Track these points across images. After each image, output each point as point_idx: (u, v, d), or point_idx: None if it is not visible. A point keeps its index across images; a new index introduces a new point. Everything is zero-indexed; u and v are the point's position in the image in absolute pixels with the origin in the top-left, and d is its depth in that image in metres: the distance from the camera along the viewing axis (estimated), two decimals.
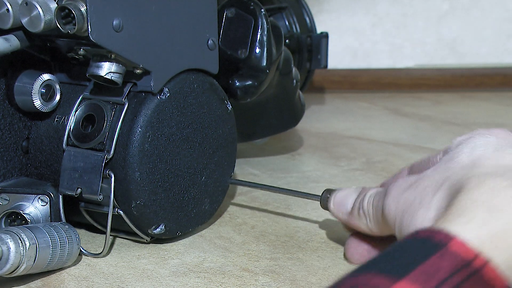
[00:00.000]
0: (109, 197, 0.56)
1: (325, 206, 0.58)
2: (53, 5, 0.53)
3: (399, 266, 0.31)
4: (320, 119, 1.05)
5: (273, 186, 0.65)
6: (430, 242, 0.32)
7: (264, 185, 0.66)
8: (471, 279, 0.31)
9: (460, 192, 0.38)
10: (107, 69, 0.54)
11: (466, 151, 0.43)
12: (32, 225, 0.53)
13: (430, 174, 0.44)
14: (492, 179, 0.37)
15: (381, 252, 0.34)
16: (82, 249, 0.57)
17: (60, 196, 0.56)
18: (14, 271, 0.49)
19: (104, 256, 0.57)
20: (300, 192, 0.63)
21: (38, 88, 0.57)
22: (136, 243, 0.60)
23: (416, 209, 0.43)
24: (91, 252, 0.58)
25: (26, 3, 0.53)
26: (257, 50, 0.66)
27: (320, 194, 0.59)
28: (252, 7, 0.66)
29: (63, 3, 0.52)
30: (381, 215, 0.48)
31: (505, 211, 0.35)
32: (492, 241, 0.33)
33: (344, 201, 0.55)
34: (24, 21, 0.53)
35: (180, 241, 0.61)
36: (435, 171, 0.44)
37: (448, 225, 0.34)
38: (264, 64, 0.66)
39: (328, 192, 0.58)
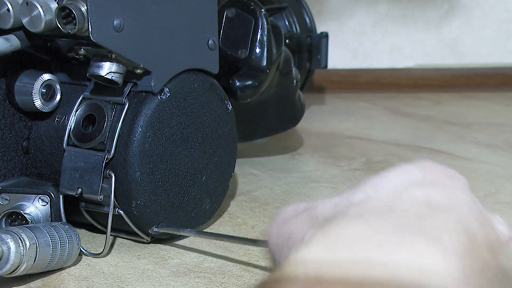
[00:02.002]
0: (110, 197, 0.56)
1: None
2: (54, 5, 0.53)
3: None
4: (320, 119, 1.05)
5: (212, 233, 0.60)
6: None
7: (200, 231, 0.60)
8: None
9: (303, 243, 0.33)
10: (107, 69, 0.54)
11: (368, 187, 0.36)
12: (32, 225, 0.53)
13: (320, 206, 0.38)
14: (344, 227, 0.32)
15: None
16: (82, 249, 0.57)
17: (61, 196, 0.56)
18: (14, 271, 0.49)
19: (104, 256, 0.57)
20: (243, 238, 0.56)
21: (38, 88, 0.57)
22: (136, 243, 0.60)
23: (295, 243, 0.37)
24: (91, 252, 0.58)
25: (27, 3, 0.53)
26: (257, 50, 0.66)
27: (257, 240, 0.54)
28: (252, 7, 0.66)
29: (63, 3, 0.52)
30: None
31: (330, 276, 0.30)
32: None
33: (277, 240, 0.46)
34: (25, 21, 0.53)
35: (180, 241, 0.61)
36: (328, 202, 0.38)
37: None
38: (264, 64, 0.66)
39: None
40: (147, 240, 0.59)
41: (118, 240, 0.61)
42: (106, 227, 0.56)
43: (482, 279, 0.31)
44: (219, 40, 0.64)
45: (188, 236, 0.61)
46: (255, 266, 0.56)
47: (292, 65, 0.73)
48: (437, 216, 0.32)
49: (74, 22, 0.51)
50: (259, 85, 0.66)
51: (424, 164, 0.37)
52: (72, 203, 0.57)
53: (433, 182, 0.36)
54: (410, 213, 0.32)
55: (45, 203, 0.56)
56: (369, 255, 0.29)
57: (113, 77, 0.54)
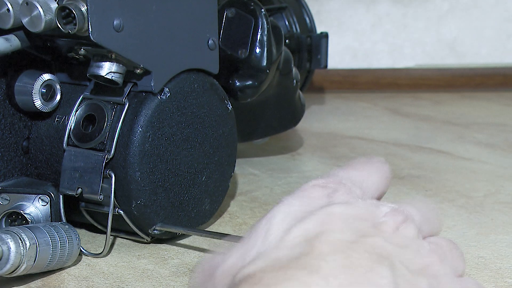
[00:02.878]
0: (110, 197, 0.56)
1: None
2: (54, 5, 0.53)
3: None
4: (320, 119, 1.05)
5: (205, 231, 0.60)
6: None
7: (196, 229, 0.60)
8: None
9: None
10: (107, 69, 0.54)
11: (259, 236, 0.36)
12: (32, 225, 0.53)
13: (219, 271, 0.37)
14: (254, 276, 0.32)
15: None
16: (83, 249, 0.57)
17: (61, 196, 0.56)
18: (14, 271, 0.49)
19: (104, 256, 0.57)
20: (238, 236, 0.54)
21: (38, 88, 0.57)
22: (136, 243, 0.60)
23: None
24: (91, 252, 0.58)
25: (27, 3, 0.52)
26: (257, 50, 0.66)
27: None
28: (252, 7, 0.66)
29: (63, 3, 0.52)
30: None
31: None
32: None
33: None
34: (25, 21, 0.53)
35: (180, 241, 0.61)
36: (225, 266, 0.37)
37: None
38: (264, 64, 0.66)
39: None
40: (147, 240, 0.59)
41: (118, 240, 0.61)
42: (106, 227, 0.56)
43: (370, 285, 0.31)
44: (219, 40, 0.64)
45: (189, 236, 0.61)
46: None
47: (292, 65, 0.73)
48: (315, 247, 0.33)
49: (74, 22, 0.51)
50: (259, 85, 0.66)
51: (303, 190, 0.38)
52: (72, 203, 0.57)
53: (309, 210, 0.36)
54: (294, 255, 0.33)
55: (45, 203, 0.56)
56: None
57: (113, 77, 0.54)
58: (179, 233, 0.60)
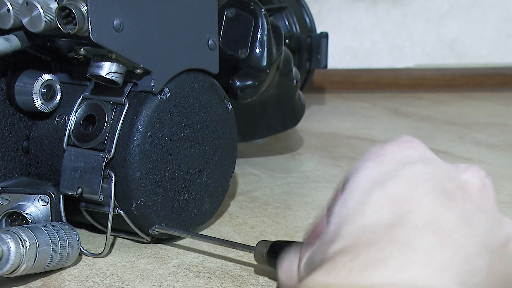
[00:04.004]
0: (110, 197, 0.56)
1: (259, 260, 0.53)
2: (54, 5, 0.53)
3: None
4: (320, 119, 1.05)
5: (204, 235, 0.59)
6: None
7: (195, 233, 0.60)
8: None
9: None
10: (107, 69, 0.54)
11: (336, 212, 0.35)
12: (32, 225, 0.53)
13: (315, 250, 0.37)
14: (333, 259, 0.32)
15: None
16: (83, 249, 0.57)
17: (61, 196, 0.56)
18: (14, 271, 0.49)
19: (104, 256, 0.57)
20: (233, 242, 0.56)
21: (38, 88, 0.57)
22: (136, 243, 0.60)
23: None
24: (92, 252, 0.58)
25: (27, 3, 0.52)
26: (257, 50, 0.66)
27: (254, 246, 0.54)
28: (252, 7, 0.66)
29: (63, 3, 0.52)
30: None
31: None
32: None
33: (290, 271, 0.45)
34: (25, 21, 0.53)
35: (180, 241, 0.61)
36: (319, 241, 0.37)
37: None
38: (264, 64, 0.66)
39: (263, 245, 0.53)
40: (147, 240, 0.59)
41: (118, 240, 0.61)
42: (106, 227, 0.56)
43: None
44: (219, 40, 0.64)
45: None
46: (255, 266, 0.56)
47: (292, 65, 0.73)
48: (406, 218, 0.32)
49: (74, 22, 0.51)
50: (259, 85, 0.66)
51: (377, 152, 0.37)
52: (72, 203, 0.57)
53: (386, 170, 0.35)
54: (384, 224, 0.32)
55: (45, 203, 0.56)
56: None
57: (113, 77, 0.54)
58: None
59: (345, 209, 0.34)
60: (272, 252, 0.52)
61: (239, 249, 0.55)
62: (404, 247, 0.30)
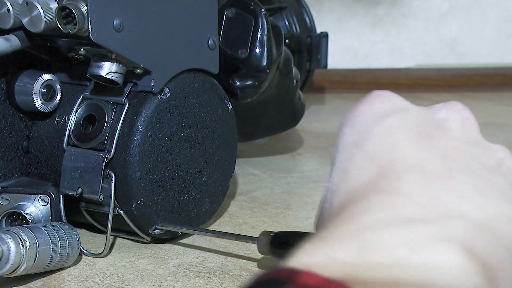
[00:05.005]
0: (110, 197, 0.56)
1: (262, 250, 0.53)
2: (54, 5, 0.53)
3: None
4: (320, 119, 1.05)
5: (207, 230, 0.60)
6: (277, 281, 0.27)
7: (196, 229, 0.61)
8: None
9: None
10: (107, 69, 0.54)
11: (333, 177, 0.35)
12: (32, 225, 0.53)
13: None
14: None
15: None
16: (83, 249, 0.57)
17: (61, 196, 0.56)
18: (14, 271, 0.49)
19: (104, 256, 0.57)
20: (235, 234, 0.57)
21: (38, 88, 0.57)
22: (136, 243, 0.60)
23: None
24: (92, 252, 0.58)
25: (27, 3, 0.53)
26: (257, 50, 0.66)
27: (257, 237, 0.54)
28: (252, 7, 0.66)
29: (63, 3, 0.52)
30: None
31: (335, 239, 0.29)
32: (329, 267, 0.28)
33: None
34: (25, 21, 0.53)
35: (180, 241, 0.61)
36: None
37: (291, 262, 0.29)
38: (264, 64, 0.66)
39: (267, 235, 0.53)
40: (147, 240, 0.59)
41: (118, 240, 0.61)
42: (106, 227, 0.56)
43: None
44: (219, 40, 0.64)
45: (189, 236, 0.61)
46: (255, 266, 0.56)
47: (292, 65, 0.73)
48: (387, 169, 0.31)
49: (74, 22, 0.51)
50: (259, 85, 0.66)
51: (351, 114, 0.35)
52: (72, 203, 0.57)
53: (362, 131, 0.34)
54: (368, 181, 0.32)
55: (46, 203, 0.56)
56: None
57: (113, 77, 0.54)
58: (179, 233, 0.60)
59: (332, 183, 0.34)
60: (275, 243, 0.53)
61: (242, 241, 0.55)
62: (389, 193, 0.30)
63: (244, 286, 0.26)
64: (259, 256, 0.57)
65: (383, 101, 0.36)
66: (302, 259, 0.28)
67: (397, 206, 0.29)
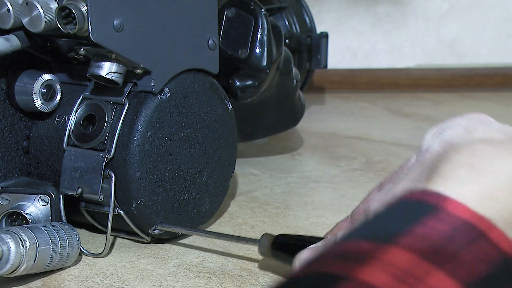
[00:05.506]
0: (110, 197, 0.56)
1: (263, 252, 0.53)
2: (54, 5, 0.53)
3: (389, 231, 0.27)
4: (320, 119, 1.05)
5: (206, 231, 0.60)
6: (423, 204, 0.29)
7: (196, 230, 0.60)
8: (478, 242, 0.27)
9: (440, 158, 0.34)
10: (107, 69, 0.54)
11: (436, 141, 0.38)
12: (32, 225, 0.53)
13: (404, 176, 0.38)
14: (473, 144, 0.33)
15: (366, 219, 0.30)
16: (83, 249, 0.57)
17: (61, 196, 0.56)
18: (14, 271, 0.49)
19: (104, 256, 0.57)
20: (237, 236, 0.56)
21: (38, 88, 0.57)
22: (136, 243, 0.60)
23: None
24: (92, 252, 0.58)
25: (27, 3, 0.52)
26: (257, 50, 0.66)
27: (258, 239, 0.54)
28: (252, 7, 0.66)
29: (63, 3, 0.52)
30: None
31: (490, 172, 0.31)
32: (481, 202, 0.29)
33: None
34: (25, 21, 0.53)
35: (180, 241, 0.61)
36: (410, 171, 0.38)
37: (436, 187, 0.30)
38: (264, 64, 0.66)
39: (267, 237, 0.53)
40: (147, 240, 0.59)
41: (118, 240, 0.61)
42: (106, 227, 0.56)
43: None
44: (219, 40, 0.64)
45: (189, 236, 0.61)
46: (255, 266, 0.56)
47: (292, 65, 0.73)
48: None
49: (74, 22, 0.51)
50: (259, 85, 0.66)
51: (468, 116, 0.40)
52: (72, 203, 0.57)
53: (484, 122, 0.39)
54: (498, 138, 0.35)
55: (46, 203, 0.56)
56: None
57: (113, 77, 0.54)
58: (179, 233, 0.60)
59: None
60: (277, 245, 0.53)
61: (243, 243, 0.55)
62: None
63: (388, 202, 0.29)
64: (260, 256, 0.57)
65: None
66: (453, 186, 0.30)
67: None
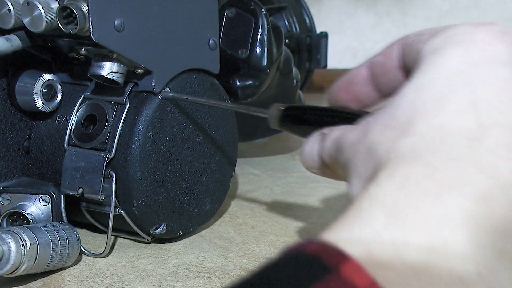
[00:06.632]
0: (111, 197, 0.56)
1: (273, 124, 0.50)
2: (55, 5, 0.53)
3: None
4: None
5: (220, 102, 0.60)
6: (317, 265, 0.24)
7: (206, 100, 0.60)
8: None
9: (369, 182, 0.29)
10: (108, 69, 0.54)
11: (409, 97, 0.31)
12: (32, 225, 0.53)
13: (373, 128, 0.33)
14: (405, 167, 0.28)
15: (254, 273, 0.25)
16: (83, 249, 0.57)
17: (62, 196, 0.56)
18: (15, 271, 0.49)
19: (105, 256, 0.57)
20: (248, 106, 0.54)
21: (39, 88, 0.58)
22: (136, 243, 0.60)
23: (350, 176, 0.34)
24: (92, 252, 0.58)
25: (28, 3, 0.53)
26: (258, 50, 0.66)
27: (268, 110, 0.50)
28: (252, 7, 0.66)
29: (64, 3, 0.52)
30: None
31: (406, 218, 0.26)
32: (382, 259, 0.25)
33: (311, 154, 0.43)
34: (26, 21, 0.53)
35: (180, 241, 0.61)
36: (377, 121, 0.33)
37: (341, 233, 0.26)
38: (265, 64, 0.66)
39: (277, 109, 0.50)
40: (148, 240, 0.59)
41: (119, 240, 0.61)
42: (107, 227, 0.56)
43: None
44: (219, 40, 0.64)
45: (189, 236, 0.61)
46: (255, 266, 0.56)
47: (292, 65, 0.73)
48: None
49: (75, 22, 0.51)
50: (259, 85, 0.66)
51: (465, 35, 0.33)
52: (73, 203, 0.57)
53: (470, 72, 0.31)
54: (455, 144, 0.29)
55: (46, 203, 0.56)
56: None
57: (114, 77, 0.55)
58: (179, 233, 0.60)
59: (420, 98, 0.31)
60: (287, 116, 0.50)
61: (253, 112, 0.52)
62: (486, 172, 0.27)
63: (292, 251, 0.25)
64: (260, 256, 0.57)
65: (507, 42, 0.32)
66: (342, 235, 0.26)
67: (492, 198, 0.27)
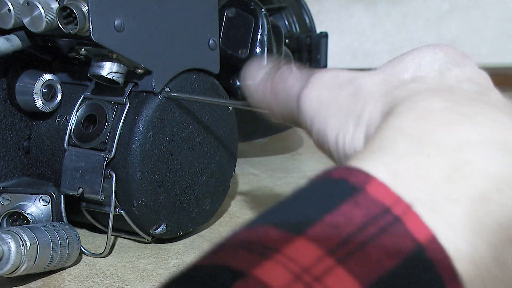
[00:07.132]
0: (111, 197, 0.56)
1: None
2: (55, 5, 0.53)
3: (302, 218, 0.25)
4: None
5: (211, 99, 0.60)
6: (345, 185, 0.26)
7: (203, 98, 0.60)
8: (389, 230, 0.24)
9: (388, 115, 0.30)
10: (108, 69, 0.54)
11: (410, 66, 0.35)
12: (32, 225, 0.53)
13: (365, 80, 0.35)
14: (426, 100, 0.30)
15: (286, 197, 0.27)
16: (83, 249, 0.57)
17: (62, 196, 0.56)
18: (14, 271, 0.49)
19: (105, 256, 0.57)
20: (248, 102, 0.50)
21: (39, 88, 0.57)
22: (136, 243, 0.60)
23: (331, 115, 0.35)
24: (92, 252, 0.58)
25: (28, 3, 0.52)
26: (258, 50, 0.66)
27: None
28: (252, 7, 0.66)
29: (64, 3, 0.52)
30: (293, 105, 0.39)
31: (428, 143, 0.27)
32: (407, 180, 0.26)
33: (254, 70, 0.43)
34: (26, 21, 0.53)
35: (180, 241, 0.61)
36: (372, 77, 0.35)
37: (366, 161, 0.27)
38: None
39: None
40: (148, 240, 0.59)
41: (119, 240, 0.61)
42: (107, 227, 0.56)
43: None
44: (219, 40, 0.64)
45: (189, 236, 0.61)
46: None
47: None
48: (488, 89, 0.35)
49: (75, 22, 0.51)
50: None
51: (445, 48, 0.38)
52: (73, 203, 0.57)
53: (460, 62, 0.38)
54: (470, 89, 0.34)
55: (46, 203, 0.56)
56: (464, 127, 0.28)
57: (114, 77, 0.54)
58: (179, 233, 0.60)
59: (418, 72, 0.35)
60: None
61: (254, 108, 0.49)
62: (494, 108, 0.31)
63: (319, 177, 0.27)
64: None
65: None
66: (369, 163, 0.27)
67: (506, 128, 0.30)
